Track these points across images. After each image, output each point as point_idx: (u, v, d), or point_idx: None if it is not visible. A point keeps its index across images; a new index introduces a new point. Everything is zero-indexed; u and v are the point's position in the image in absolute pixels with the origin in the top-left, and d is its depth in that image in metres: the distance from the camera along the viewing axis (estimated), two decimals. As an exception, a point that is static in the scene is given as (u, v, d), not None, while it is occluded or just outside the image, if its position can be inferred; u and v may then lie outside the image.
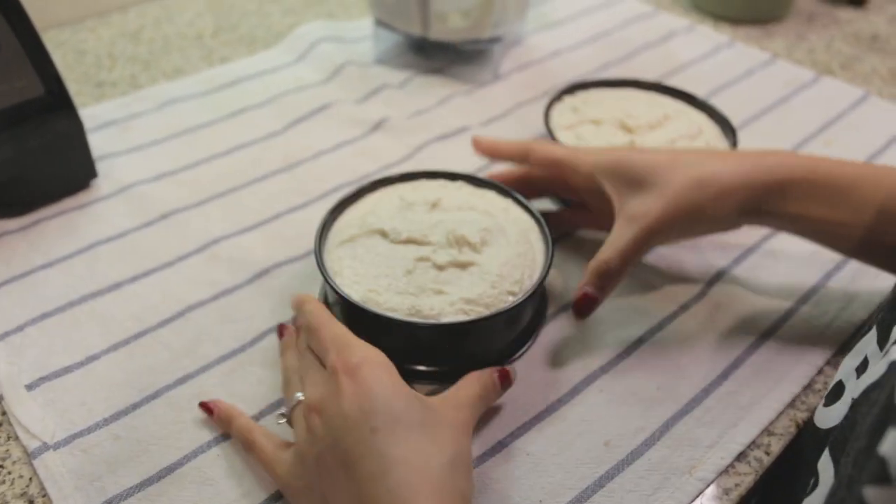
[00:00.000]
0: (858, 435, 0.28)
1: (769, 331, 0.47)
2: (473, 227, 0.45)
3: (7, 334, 0.45)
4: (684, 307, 0.48)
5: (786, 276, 0.51)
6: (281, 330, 0.44)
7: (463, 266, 0.43)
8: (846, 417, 0.32)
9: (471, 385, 0.38)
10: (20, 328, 0.45)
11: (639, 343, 0.46)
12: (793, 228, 0.43)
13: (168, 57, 0.72)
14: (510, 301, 0.41)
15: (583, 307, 0.42)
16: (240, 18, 0.79)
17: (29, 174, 0.52)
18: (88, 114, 0.62)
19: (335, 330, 0.37)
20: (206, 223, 0.53)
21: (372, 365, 0.34)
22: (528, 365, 0.44)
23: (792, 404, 0.43)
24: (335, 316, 0.40)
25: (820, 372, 0.45)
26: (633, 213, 0.42)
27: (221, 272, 0.50)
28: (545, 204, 0.55)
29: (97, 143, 0.59)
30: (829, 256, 0.52)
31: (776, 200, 0.41)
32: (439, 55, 0.72)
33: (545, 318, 0.47)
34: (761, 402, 0.42)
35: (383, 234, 0.45)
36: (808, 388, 0.44)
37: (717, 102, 0.66)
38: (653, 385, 0.43)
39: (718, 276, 0.50)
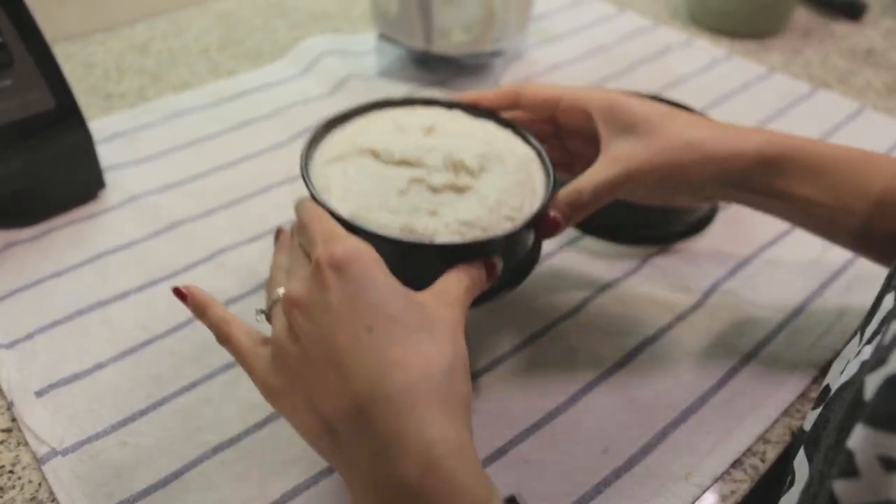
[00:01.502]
0: (830, 432, 0.29)
1: (765, 340, 0.48)
2: (471, 152, 0.42)
3: (17, 341, 0.46)
4: (681, 317, 0.49)
5: (782, 286, 0.52)
6: (278, 233, 0.42)
7: (459, 190, 0.41)
8: (820, 416, 0.33)
9: (459, 278, 0.36)
10: (30, 336, 0.46)
11: (637, 352, 0.47)
12: (774, 208, 0.43)
13: (175, 70, 0.73)
14: (508, 226, 0.39)
15: (547, 230, 0.41)
16: (246, 33, 0.80)
17: (39, 185, 0.53)
18: (97, 126, 0.63)
19: (325, 224, 0.34)
20: (213, 233, 0.54)
21: (362, 258, 0.31)
22: (526, 373, 0.45)
23: (787, 412, 0.44)
24: None
25: (815, 381, 0.45)
26: (617, 154, 0.41)
27: (228, 281, 0.51)
28: None
29: (106, 154, 0.60)
30: (826, 267, 0.53)
31: (761, 175, 0.41)
32: (441, 69, 0.73)
33: (540, 255, 0.44)
34: (757, 410, 0.43)
35: (375, 155, 0.42)
36: (802, 396, 0.44)
37: (715, 115, 0.67)
38: (650, 393, 0.44)
39: (715, 287, 0.51)
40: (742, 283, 0.52)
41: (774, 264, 0.53)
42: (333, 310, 0.30)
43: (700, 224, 0.56)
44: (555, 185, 0.41)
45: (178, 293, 0.37)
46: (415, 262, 0.38)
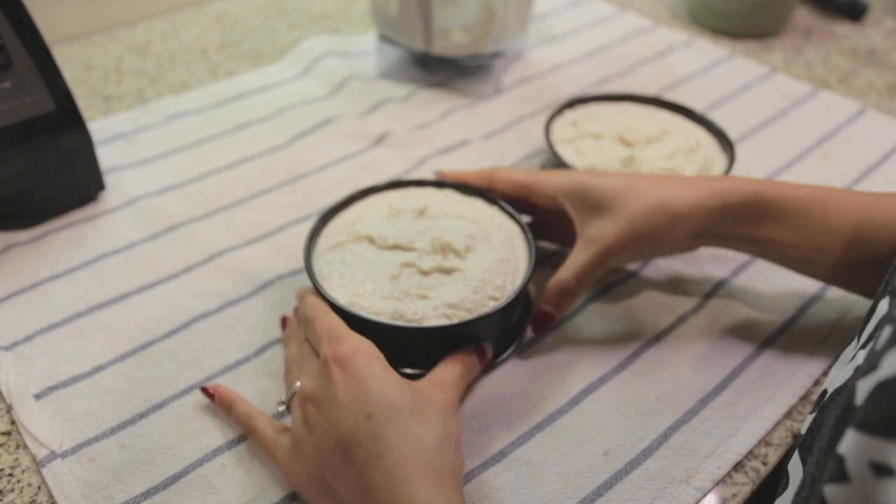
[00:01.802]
0: (823, 436, 0.29)
1: (766, 342, 0.47)
2: (459, 234, 0.46)
3: (16, 344, 0.46)
4: (682, 318, 0.49)
5: (783, 287, 0.51)
6: (284, 321, 0.46)
7: (447, 272, 0.44)
8: (814, 420, 0.33)
9: (453, 366, 0.40)
10: (29, 338, 0.46)
11: (637, 354, 0.46)
12: (750, 250, 0.45)
13: (174, 71, 0.73)
14: (492, 305, 0.42)
15: (541, 324, 0.45)
16: (245, 33, 0.80)
17: (39, 187, 0.53)
18: (96, 127, 0.63)
19: (329, 321, 0.39)
20: (212, 235, 0.54)
21: (363, 355, 0.36)
22: (528, 375, 0.45)
23: (789, 415, 0.43)
24: None
25: (817, 383, 0.45)
26: (591, 236, 0.44)
27: (226, 284, 0.50)
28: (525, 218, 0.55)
29: (105, 156, 0.60)
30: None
31: (728, 223, 0.43)
32: (441, 70, 0.73)
33: (525, 325, 0.48)
34: (758, 412, 0.43)
35: (371, 240, 0.46)
36: (804, 398, 0.44)
37: (716, 116, 0.67)
38: (651, 395, 0.44)
39: (716, 288, 0.51)
40: (743, 286, 0.52)
41: (776, 268, 0.53)
42: (339, 402, 0.35)
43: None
44: (536, 261, 0.45)
45: (206, 392, 0.42)
46: (407, 343, 0.43)
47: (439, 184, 0.51)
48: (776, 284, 0.52)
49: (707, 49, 0.80)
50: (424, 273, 0.44)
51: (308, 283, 0.50)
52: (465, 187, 0.51)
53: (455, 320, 0.41)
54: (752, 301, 0.50)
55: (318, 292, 0.43)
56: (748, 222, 0.43)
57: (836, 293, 0.51)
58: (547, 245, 0.54)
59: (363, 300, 0.42)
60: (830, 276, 0.44)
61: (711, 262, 0.53)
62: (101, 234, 0.54)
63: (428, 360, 0.43)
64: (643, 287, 0.51)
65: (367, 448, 0.33)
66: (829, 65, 0.78)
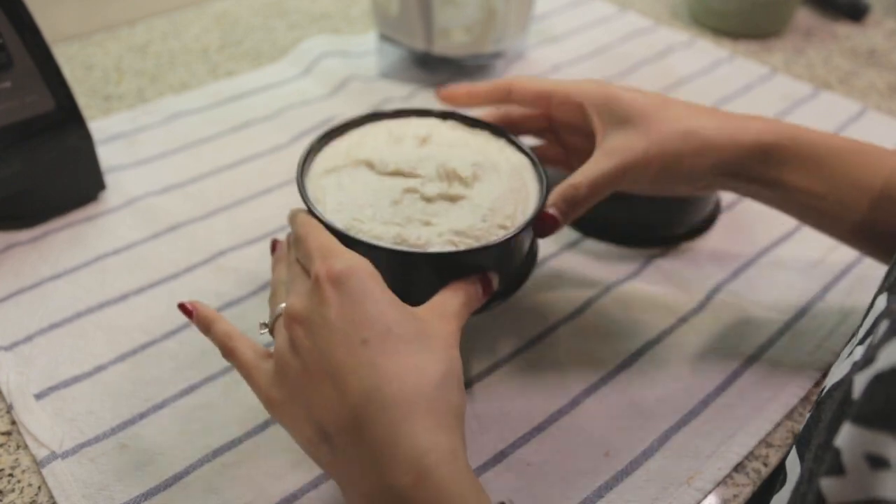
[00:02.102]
0: (820, 431, 0.29)
1: (768, 343, 0.47)
2: (465, 161, 0.43)
3: (16, 344, 0.46)
4: (683, 319, 0.49)
5: (784, 288, 0.51)
6: (274, 244, 0.43)
7: (453, 199, 0.41)
8: (812, 415, 0.33)
9: (455, 294, 0.37)
10: (29, 338, 0.46)
11: (638, 355, 0.46)
12: (771, 198, 0.43)
13: (174, 71, 0.73)
14: (501, 234, 0.39)
15: (544, 228, 0.41)
16: (245, 33, 0.80)
17: (39, 187, 0.53)
18: (96, 127, 0.63)
19: (322, 238, 0.36)
20: (212, 235, 0.54)
21: (359, 274, 0.33)
22: (528, 375, 0.45)
23: (790, 416, 0.43)
24: None
25: (817, 384, 0.45)
26: (613, 147, 0.41)
27: (227, 284, 0.50)
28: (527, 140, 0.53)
29: (105, 155, 0.60)
30: (828, 269, 0.53)
31: (756, 164, 0.41)
32: (442, 69, 0.73)
33: (536, 262, 0.45)
34: (759, 413, 0.43)
35: (370, 165, 0.43)
36: (805, 399, 0.44)
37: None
38: (652, 396, 0.44)
39: (717, 289, 0.51)
40: (744, 286, 0.52)
41: (777, 266, 0.53)
42: (331, 324, 0.31)
43: (702, 226, 0.56)
44: (548, 192, 0.41)
45: (184, 309, 0.38)
46: (409, 272, 0.39)
47: (444, 114, 0.47)
48: (777, 285, 0.52)
49: (708, 49, 0.80)
50: (428, 200, 0.41)
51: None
52: (471, 119, 0.47)
53: (462, 247, 0.38)
54: (753, 302, 0.50)
55: (314, 217, 0.39)
56: (777, 165, 0.41)
57: (837, 294, 0.51)
58: (540, 241, 0.54)
59: (362, 224, 0.39)
60: (849, 235, 0.42)
61: (712, 262, 0.53)
62: (102, 233, 0.54)
63: (430, 292, 0.39)
64: (644, 287, 0.51)
65: (362, 378, 0.30)
66: (830, 65, 0.78)
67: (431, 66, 0.73)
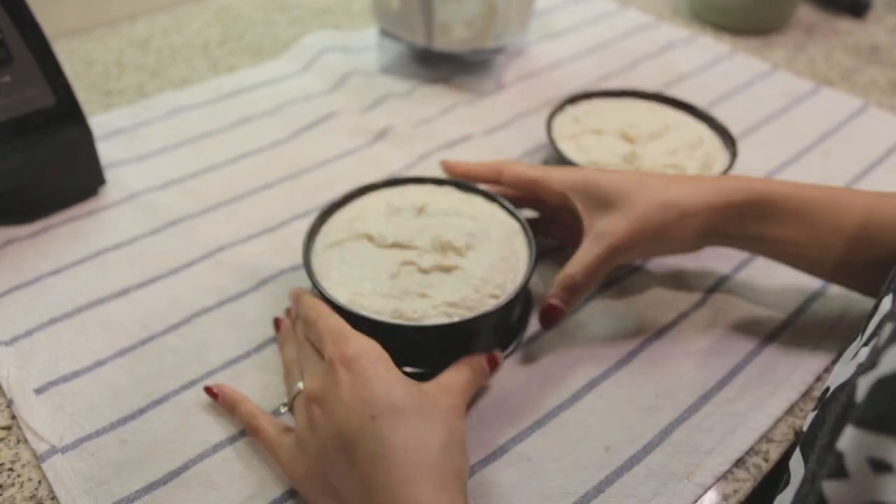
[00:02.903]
0: (825, 433, 0.29)
1: (768, 338, 0.47)
2: (459, 231, 0.46)
3: (16, 339, 0.46)
4: (684, 315, 0.49)
5: (785, 284, 0.51)
6: (277, 323, 0.46)
7: (447, 270, 0.44)
8: (816, 417, 0.33)
9: (461, 371, 0.40)
10: (29, 333, 0.46)
11: (639, 350, 0.46)
12: (757, 249, 0.45)
13: (175, 66, 0.73)
14: (492, 304, 0.42)
15: (548, 318, 0.44)
16: (246, 28, 0.80)
17: (39, 182, 0.53)
18: (96, 122, 0.63)
19: (331, 322, 0.39)
20: (213, 230, 0.54)
21: (368, 356, 0.36)
22: (529, 370, 0.45)
23: (790, 411, 0.43)
24: None
25: (818, 379, 0.45)
26: (600, 231, 0.44)
27: (227, 279, 0.50)
28: (525, 213, 0.55)
29: (105, 150, 0.60)
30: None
31: (735, 222, 0.43)
32: (443, 65, 0.73)
33: (529, 321, 0.48)
34: (760, 408, 0.43)
35: (370, 239, 0.46)
36: (806, 395, 0.44)
37: (718, 112, 0.66)
38: (652, 391, 0.44)
39: (718, 285, 0.51)
40: (745, 282, 0.51)
41: (778, 264, 0.53)
42: (344, 402, 0.35)
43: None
44: (536, 259, 0.45)
45: (210, 392, 0.42)
46: (407, 342, 0.42)
47: (438, 181, 0.51)
48: (778, 280, 0.52)
49: (709, 45, 0.79)
50: (424, 271, 0.44)
51: (301, 282, 0.50)
52: (465, 185, 0.50)
53: (456, 318, 0.41)
54: (754, 297, 0.50)
55: (318, 291, 0.42)
56: (754, 221, 0.43)
57: (838, 289, 0.51)
58: (548, 242, 0.54)
59: (363, 299, 0.42)
60: (835, 275, 0.45)
61: (713, 258, 0.53)
62: (102, 228, 0.54)
63: (428, 358, 0.43)
64: (645, 283, 0.51)
65: (371, 448, 0.33)
66: (831, 61, 0.78)
67: (432, 62, 0.73)
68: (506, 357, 0.45)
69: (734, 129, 0.60)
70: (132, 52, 0.75)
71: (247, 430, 0.40)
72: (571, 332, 0.48)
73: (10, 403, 0.42)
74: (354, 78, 0.71)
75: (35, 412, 0.41)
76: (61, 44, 0.75)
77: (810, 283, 0.51)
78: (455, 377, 0.39)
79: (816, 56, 0.79)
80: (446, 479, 0.33)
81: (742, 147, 0.62)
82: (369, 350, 0.37)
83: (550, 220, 0.52)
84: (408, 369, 0.43)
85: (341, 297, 0.42)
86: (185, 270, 0.51)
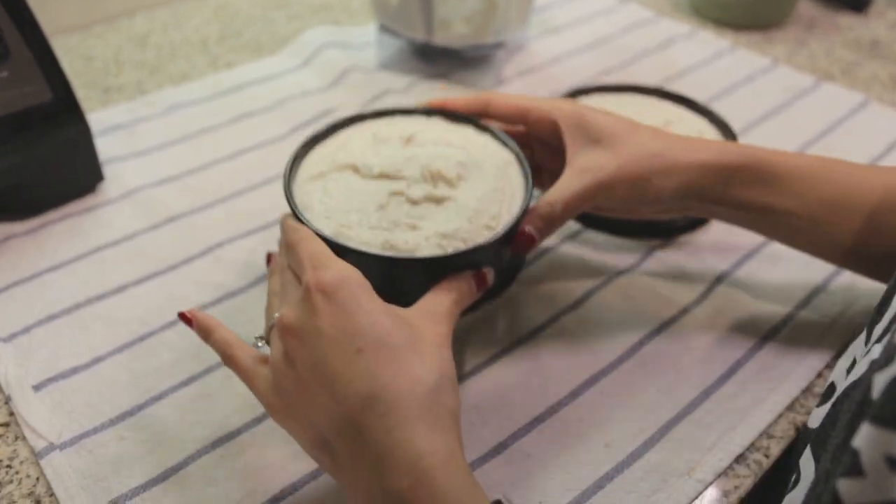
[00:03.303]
0: (838, 431, 0.29)
1: (769, 334, 0.47)
2: (449, 161, 0.43)
3: (14, 336, 0.45)
4: (685, 310, 0.49)
5: (786, 279, 0.51)
6: (269, 257, 0.44)
7: (438, 201, 0.42)
8: (828, 415, 0.33)
9: (446, 293, 0.37)
10: (27, 330, 0.46)
11: (639, 346, 0.46)
12: (741, 218, 0.44)
13: (174, 62, 0.73)
14: (488, 235, 0.40)
15: (523, 245, 0.42)
16: (245, 24, 0.80)
17: (37, 178, 0.53)
18: (95, 118, 0.63)
19: (312, 246, 0.36)
20: (211, 226, 0.54)
21: (349, 284, 0.33)
22: (528, 366, 0.45)
23: (791, 407, 0.43)
24: None
25: (819, 375, 0.45)
26: (585, 165, 0.42)
27: (226, 275, 0.50)
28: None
29: (104, 147, 0.60)
30: (829, 261, 0.52)
31: (721, 185, 0.42)
32: (443, 61, 0.73)
33: (525, 259, 0.45)
34: (761, 404, 0.43)
35: (355, 170, 0.43)
36: (807, 391, 0.44)
37: (718, 108, 0.66)
38: (653, 387, 0.44)
39: (719, 280, 0.51)
40: (746, 277, 0.51)
41: (778, 258, 0.53)
42: (324, 335, 0.32)
43: (702, 219, 0.56)
44: (532, 188, 0.42)
45: (184, 318, 0.39)
46: (398, 277, 0.40)
47: (427, 112, 0.48)
48: (779, 276, 0.51)
49: (709, 40, 0.79)
50: (414, 202, 0.41)
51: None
52: (455, 115, 0.48)
53: (450, 250, 0.39)
54: (754, 293, 0.50)
55: (301, 222, 0.40)
56: (741, 185, 0.42)
57: (839, 285, 0.51)
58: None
59: (349, 231, 0.40)
60: (844, 258, 0.43)
61: (714, 253, 0.53)
62: (100, 225, 0.54)
63: (421, 294, 0.39)
64: (645, 278, 0.51)
65: (358, 387, 0.31)
66: (832, 56, 0.78)
67: (431, 58, 0.73)
68: (499, 296, 0.42)
69: (735, 125, 0.60)
70: (131, 49, 0.75)
71: (221, 359, 0.37)
72: (571, 328, 0.47)
73: (7, 400, 0.42)
74: (354, 74, 0.71)
75: (33, 409, 0.41)
76: (60, 40, 0.75)
77: (811, 278, 0.51)
78: (440, 301, 0.37)
79: (817, 51, 0.79)
80: (441, 420, 0.31)
81: (742, 142, 0.62)
82: (350, 277, 0.33)
83: (529, 155, 0.49)
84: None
85: (327, 230, 0.39)
86: (183, 266, 0.51)
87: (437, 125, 0.47)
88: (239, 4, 0.84)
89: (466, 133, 0.47)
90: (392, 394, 0.30)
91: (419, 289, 0.39)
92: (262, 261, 0.51)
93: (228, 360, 0.37)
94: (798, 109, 0.69)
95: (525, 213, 0.41)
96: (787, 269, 0.52)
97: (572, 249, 0.53)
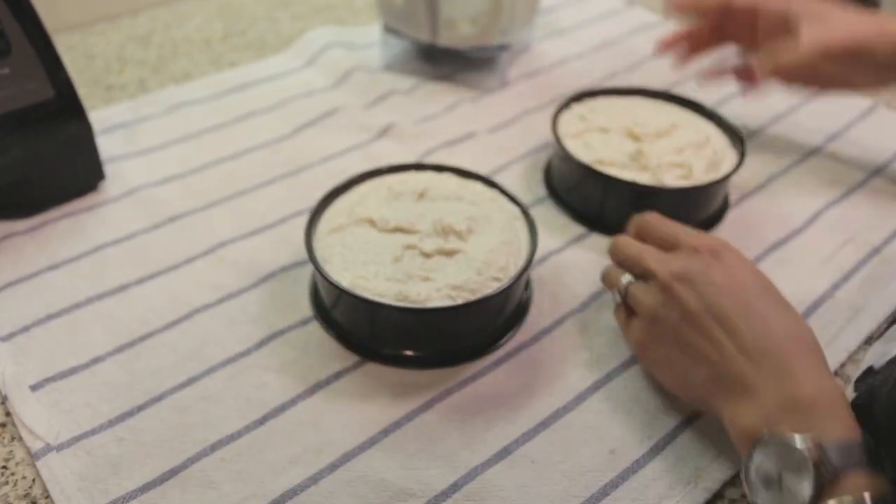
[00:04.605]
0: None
1: (776, 340, 0.47)
2: (460, 215, 0.46)
3: (13, 335, 0.45)
4: (691, 316, 0.48)
5: (793, 286, 0.50)
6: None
7: (449, 254, 0.44)
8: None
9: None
10: (26, 329, 0.45)
11: (645, 351, 0.46)
12: None
13: (177, 61, 0.73)
14: (495, 287, 0.42)
15: (748, 77, 0.55)
16: (249, 24, 0.80)
17: (37, 176, 0.52)
18: (97, 116, 0.62)
19: (672, 223, 0.44)
20: (213, 226, 0.54)
21: (732, 249, 0.41)
22: (533, 371, 0.44)
23: (799, 415, 0.42)
24: (323, 302, 0.45)
25: (827, 382, 0.44)
26: (813, 35, 0.51)
27: (227, 275, 0.50)
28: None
29: (105, 145, 0.59)
30: (837, 267, 0.52)
31: None
32: (447, 62, 0.72)
33: (531, 304, 0.48)
34: (768, 412, 0.42)
35: (371, 223, 0.46)
36: (815, 398, 0.43)
37: (725, 111, 0.66)
38: (659, 393, 0.43)
39: (725, 285, 0.50)
40: (752, 282, 0.51)
41: (785, 264, 0.52)
42: (717, 283, 0.39)
43: (709, 223, 0.55)
44: (536, 240, 0.45)
45: None
46: (411, 325, 0.43)
47: (438, 168, 0.51)
48: (785, 282, 0.50)
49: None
50: (427, 255, 0.44)
51: (303, 279, 0.49)
52: (464, 171, 0.51)
53: (460, 301, 0.41)
54: (761, 299, 0.49)
55: (321, 276, 0.42)
56: None
57: (846, 293, 0.50)
58: (546, 236, 0.53)
59: (366, 282, 0.42)
60: None
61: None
62: (101, 224, 0.53)
63: (431, 342, 0.43)
64: (651, 283, 0.50)
65: (754, 323, 0.37)
66: (839, 61, 0.77)
67: (436, 59, 0.73)
68: (508, 340, 0.46)
69: (741, 129, 0.59)
70: (134, 47, 0.74)
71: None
72: (576, 333, 0.47)
73: (4, 400, 0.41)
74: (357, 74, 0.70)
75: (30, 409, 0.41)
76: (62, 38, 0.74)
77: (818, 285, 0.51)
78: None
79: (824, 56, 0.78)
80: (817, 352, 0.37)
81: (749, 147, 0.61)
82: (727, 243, 0.41)
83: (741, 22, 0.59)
84: (409, 353, 0.44)
85: (344, 282, 0.42)
86: (184, 266, 0.50)
87: (449, 180, 0.50)
88: (243, 3, 0.83)
89: (476, 187, 0.50)
90: (782, 329, 0.37)
91: (431, 336, 0.43)
92: (264, 261, 0.51)
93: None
94: (805, 114, 0.68)
95: (528, 267, 0.44)
96: (794, 275, 0.51)
97: (578, 253, 0.53)
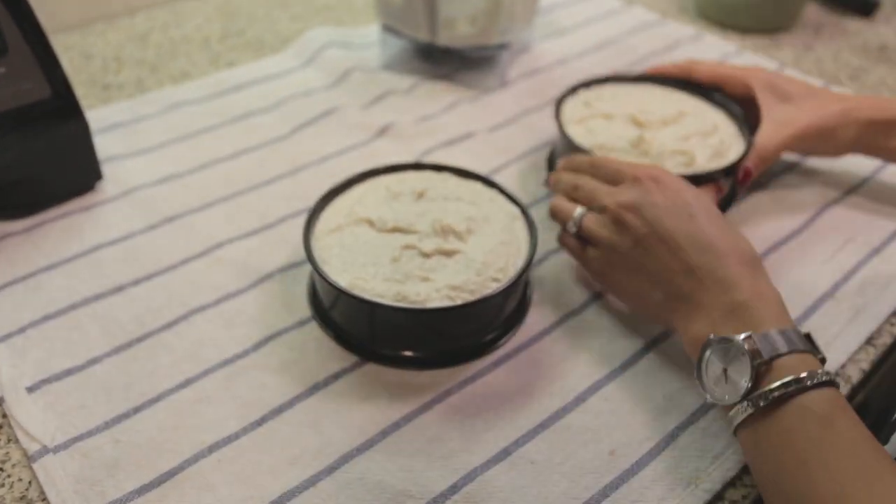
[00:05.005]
0: None
1: (777, 341, 0.46)
2: (459, 216, 0.46)
3: (9, 336, 0.45)
4: (691, 316, 0.48)
5: (794, 287, 0.50)
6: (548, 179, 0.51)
7: (448, 254, 0.44)
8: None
9: (707, 191, 0.50)
10: (22, 330, 0.45)
11: (645, 352, 0.45)
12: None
13: (175, 61, 0.72)
14: (494, 287, 0.42)
15: (745, 177, 0.53)
16: (247, 23, 0.79)
17: (34, 176, 0.52)
18: (94, 116, 0.62)
19: (615, 161, 0.47)
20: (211, 227, 0.53)
21: (670, 175, 0.44)
22: (533, 372, 0.44)
23: (799, 416, 0.42)
24: (322, 302, 0.45)
25: (828, 383, 0.44)
26: (781, 119, 0.54)
27: (225, 276, 0.49)
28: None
29: (103, 145, 0.59)
30: (838, 268, 0.52)
31: (881, 136, 0.54)
32: (446, 61, 0.72)
33: (530, 304, 0.47)
34: (768, 413, 0.42)
35: (370, 223, 0.46)
36: (815, 399, 0.43)
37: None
38: (659, 394, 0.43)
39: (725, 286, 0.50)
40: (753, 283, 0.50)
41: (786, 264, 0.52)
42: (660, 206, 0.42)
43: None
44: (537, 241, 0.45)
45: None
46: (410, 325, 0.43)
47: (437, 167, 0.51)
48: (786, 283, 0.50)
49: (715, 44, 0.78)
50: (426, 255, 0.44)
51: (300, 278, 0.49)
52: (464, 171, 0.50)
53: (459, 301, 0.41)
54: (761, 299, 0.49)
55: (319, 277, 0.42)
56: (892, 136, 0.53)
57: (846, 292, 0.50)
58: (546, 236, 0.53)
59: (365, 283, 0.42)
60: None
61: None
62: (98, 224, 0.53)
63: (430, 342, 0.43)
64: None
65: (695, 241, 0.40)
66: (839, 61, 0.77)
67: (435, 58, 0.72)
68: (507, 341, 0.45)
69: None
70: (132, 47, 0.74)
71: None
72: (576, 333, 0.47)
73: (0, 402, 0.41)
74: (356, 74, 0.70)
75: (26, 411, 0.40)
76: (60, 37, 0.74)
77: (818, 285, 0.50)
78: (709, 195, 0.49)
79: (824, 56, 0.78)
80: (755, 262, 0.40)
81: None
82: (665, 170, 0.45)
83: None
84: (408, 353, 0.43)
85: (343, 282, 0.42)
86: (182, 267, 0.50)
87: (448, 181, 0.50)
88: (241, 3, 0.83)
89: (475, 188, 0.49)
90: (721, 245, 0.40)
91: (430, 336, 0.43)
92: (262, 262, 0.50)
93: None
94: (805, 114, 0.68)
95: (528, 268, 0.44)
96: (795, 277, 0.51)
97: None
